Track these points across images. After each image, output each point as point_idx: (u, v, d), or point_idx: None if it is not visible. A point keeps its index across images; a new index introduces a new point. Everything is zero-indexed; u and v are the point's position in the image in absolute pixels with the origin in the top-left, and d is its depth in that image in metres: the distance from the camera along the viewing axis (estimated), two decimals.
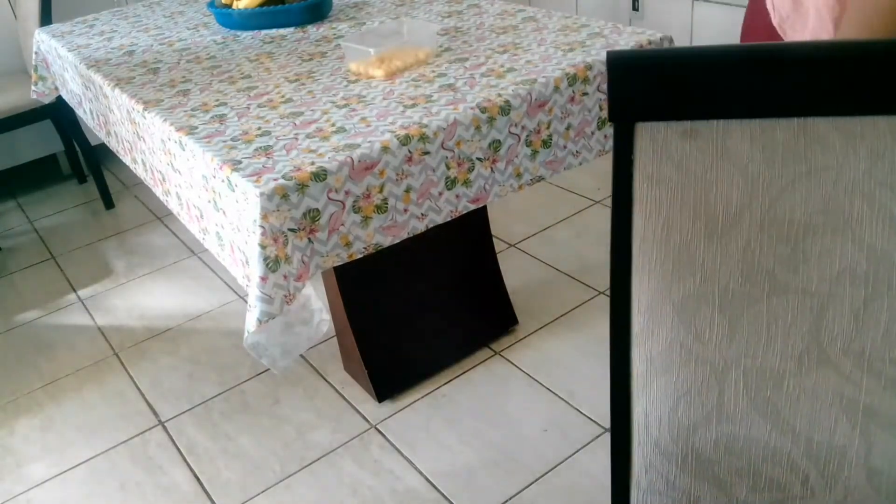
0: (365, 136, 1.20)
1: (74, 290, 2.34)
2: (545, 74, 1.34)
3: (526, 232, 2.32)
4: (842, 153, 0.58)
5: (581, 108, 1.38)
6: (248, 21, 1.82)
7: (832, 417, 0.65)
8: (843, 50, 0.56)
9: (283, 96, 1.40)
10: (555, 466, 1.53)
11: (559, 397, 1.69)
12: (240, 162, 1.18)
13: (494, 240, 1.91)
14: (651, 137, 0.61)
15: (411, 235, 1.26)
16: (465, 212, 1.30)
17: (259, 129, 1.28)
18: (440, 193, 1.26)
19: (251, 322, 1.12)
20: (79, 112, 1.98)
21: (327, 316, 1.22)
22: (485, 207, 1.80)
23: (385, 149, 1.18)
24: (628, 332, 0.69)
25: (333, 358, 1.89)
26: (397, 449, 1.62)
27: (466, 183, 1.28)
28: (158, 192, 1.55)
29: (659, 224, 0.64)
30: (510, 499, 1.48)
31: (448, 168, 1.25)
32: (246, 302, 1.14)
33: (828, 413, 0.65)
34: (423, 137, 1.21)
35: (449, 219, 1.29)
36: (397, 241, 1.24)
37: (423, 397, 1.74)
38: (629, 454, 0.74)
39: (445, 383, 1.77)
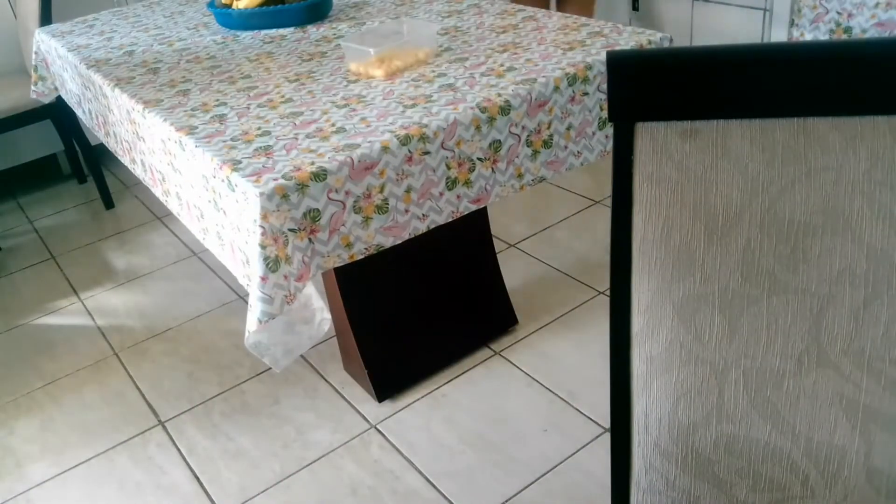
0: (365, 136, 1.20)
1: (74, 291, 2.34)
2: (545, 74, 1.34)
3: (526, 232, 2.32)
4: (842, 153, 0.58)
5: (581, 108, 1.38)
6: (248, 21, 1.82)
7: (832, 417, 0.65)
8: (843, 50, 0.56)
9: (283, 96, 1.40)
10: (555, 466, 1.53)
11: (559, 397, 1.69)
12: (240, 162, 1.18)
13: (494, 240, 1.91)
14: (651, 137, 0.61)
15: (413, 236, 1.26)
16: (466, 212, 1.30)
17: (259, 129, 1.28)
18: (441, 194, 1.26)
19: (252, 322, 1.12)
20: (78, 112, 1.98)
21: (328, 315, 1.22)
22: (485, 207, 1.80)
23: (385, 149, 1.18)
24: (628, 332, 0.69)
25: (333, 358, 1.89)
26: (397, 449, 1.62)
27: (467, 183, 1.28)
28: (158, 192, 1.55)
29: (659, 224, 0.64)
30: (510, 499, 1.48)
31: (448, 168, 1.25)
32: (246, 302, 1.14)
33: (828, 413, 0.66)
34: (423, 137, 1.21)
35: (450, 219, 1.29)
36: (399, 241, 1.24)
37: (423, 397, 1.74)
38: (629, 454, 0.74)
39: (445, 383, 1.77)
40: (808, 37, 2.53)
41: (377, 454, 1.61)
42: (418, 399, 1.73)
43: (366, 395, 1.77)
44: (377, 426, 1.68)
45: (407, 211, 1.23)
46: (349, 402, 1.76)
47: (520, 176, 1.34)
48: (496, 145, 1.29)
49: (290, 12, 1.80)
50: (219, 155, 1.21)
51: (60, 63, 1.97)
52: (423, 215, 1.25)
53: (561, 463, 1.54)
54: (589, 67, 1.37)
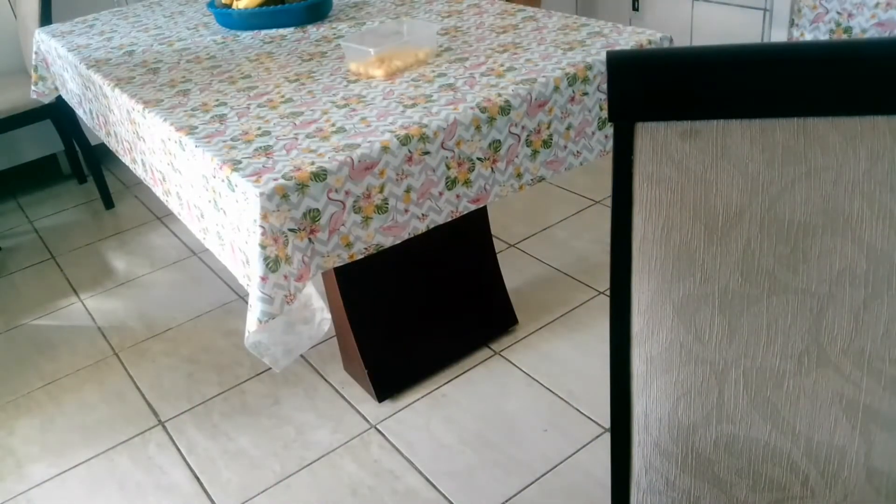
0: (365, 136, 1.20)
1: (74, 291, 2.34)
2: (545, 74, 1.34)
3: (526, 232, 2.32)
4: (842, 153, 0.58)
5: (581, 108, 1.38)
6: (248, 21, 1.82)
7: (832, 417, 0.65)
8: (843, 50, 0.56)
9: (283, 96, 1.40)
10: (555, 466, 1.53)
11: (559, 397, 1.69)
12: (240, 162, 1.18)
13: (494, 240, 1.91)
14: (651, 137, 0.61)
15: (412, 236, 1.26)
16: (465, 212, 1.30)
17: (259, 129, 1.28)
18: (440, 193, 1.26)
19: (251, 322, 1.12)
20: (78, 112, 1.98)
21: (328, 315, 1.22)
22: (485, 207, 1.80)
23: (385, 149, 1.18)
24: (628, 332, 0.69)
25: (333, 358, 1.89)
26: (397, 449, 1.62)
27: (467, 183, 1.28)
28: (159, 191, 1.55)
29: (659, 224, 0.64)
30: (510, 499, 1.48)
31: (448, 168, 1.25)
32: (246, 302, 1.14)
33: (828, 413, 0.66)
34: (423, 137, 1.21)
35: (449, 219, 1.29)
36: (398, 241, 1.24)
37: (423, 397, 1.74)
38: (629, 454, 0.74)
39: (445, 383, 1.77)
40: (808, 37, 2.54)
41: (377, 454, 1.61)
42: (418, 399, 1.73)
43: (366, 395, 1.77)
44: (377, 426, 1.68)
45: (406, 211, 1.23)
46: (349, 402, 1.76)
47: (519, 176, 1.34)
48: (496, 145, 1.29)
49: (290, 12, 1.80)
50: (219, 155, 1.21)
51: (61, 63, 1.97)
52: (423, 215, 1.25)
53: (561, 463, 1.54)
54: (589, 67, 1.37)
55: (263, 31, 1.80)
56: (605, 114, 1.41)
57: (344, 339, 1.77)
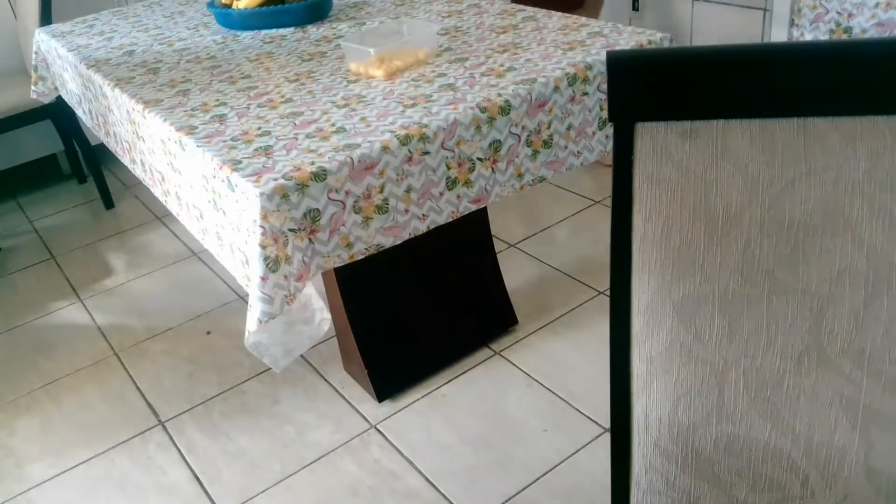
0: (365, 136, 1.20)
1: (74, 290, 2.34)
2: (545, 74, 1.34)
3: (526, 232, 2.32)
4: (842, 153, 0.58)
5: (581, 108, 1.38)
6: (248, 21, 1.82)
7: (832, 417, 0.65)
8: (843, 50, 0.56)
9: (283, 96, 1.40)
10: (555, 466, 1.53)
11: (559, 397, 1.69)
12: (240, 162, 1.18)
13: (494, 240, 1.91)
14: (651, 137, 0.61)
15: (412, 236, 1.26)
16: (466, 212, 1.30)
17: (259, 129, 1.28)
18: (441, 194, 1.26)
19: (251, 322, 1.12)
20: (78, 112, 1.98)
21: (328, 315, 1.22)
22: (485, 208, 1.80)
23: (385, 149, 1.18)
24: (628, 332, 0.69)
25: (333, 358, 1.89)
26: (397, 449, 1.62)
27: (467, 183, 1.28)
28: (157, 192, 1.55)
29: (659, 224, 0.64)
30: (510, 499, 1.48)
31: (449, 168, 1.25)
32: (246, 302, 1.14)
33: (828, 413, 0.65)
34: (423, 137, 1.21)
35: (450, 219, 1.29)
36: (398, 241, 1.24)
37: (423, 397, 1.74)
38: (629, 454, 0.74)
39: (445, 383, 1.77)
40: (808, 37, 2.53)
41: (377, 454, 1.61)
42: (418, 399, 1.73)
43: (366, 395, 1.77)
44: (377, 426, 1.68)
45: (407, 211, 1.23)
46: (349, 402, 1.76)
47: (520, 176, 1.34)
48: (496, 145, 1.29)
49: (290, 12, 1.80)
50: (219, 155, 1.21)
51: (60, 63, 1.97)
52: (423, 215, 1.25)
53: (561, 463, 1.54)
54: (589, 67, 1.37)
55: (263, 31, 1.80)
56: (605, 114, 1.41)
57: (344, 339, 1.77)
